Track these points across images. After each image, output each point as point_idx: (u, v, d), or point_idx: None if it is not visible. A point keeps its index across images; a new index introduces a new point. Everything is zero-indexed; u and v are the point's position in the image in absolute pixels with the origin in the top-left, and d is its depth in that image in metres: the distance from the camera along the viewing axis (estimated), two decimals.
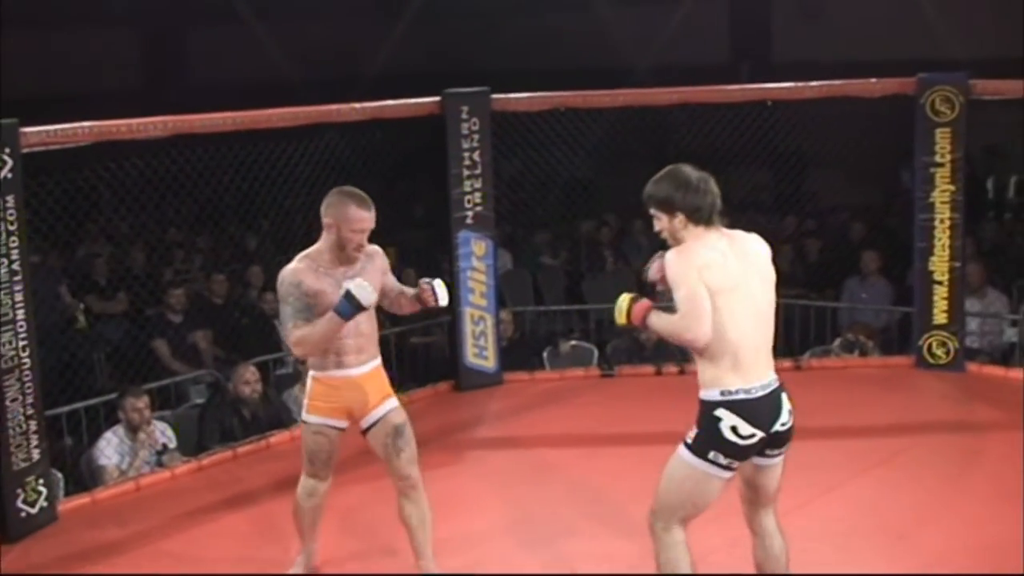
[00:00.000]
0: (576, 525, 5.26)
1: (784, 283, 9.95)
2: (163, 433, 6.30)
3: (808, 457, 6.04)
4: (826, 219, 10.76)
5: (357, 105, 6.87)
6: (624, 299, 3.91)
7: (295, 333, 4.24)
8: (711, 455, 3.71)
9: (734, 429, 3.67)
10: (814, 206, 10.86)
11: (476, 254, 7.29)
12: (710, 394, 3.71)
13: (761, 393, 3.72)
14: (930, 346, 7.39)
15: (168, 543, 5.27)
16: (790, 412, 3.81)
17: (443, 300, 4.42)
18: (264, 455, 6.39)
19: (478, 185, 7.24)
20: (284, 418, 6.77)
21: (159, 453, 6.19)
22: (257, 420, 6.66)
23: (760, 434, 3.71)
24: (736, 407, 3.67)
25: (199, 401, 7.20)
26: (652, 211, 3.83)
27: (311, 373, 4.46)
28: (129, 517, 5.57)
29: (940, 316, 7.33)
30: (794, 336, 8.43)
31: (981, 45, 10.89)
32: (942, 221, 7.27)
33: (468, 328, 7.33)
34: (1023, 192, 11.07)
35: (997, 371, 7.39)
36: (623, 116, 8.23)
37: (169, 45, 14.67)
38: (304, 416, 4.51)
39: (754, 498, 3.97)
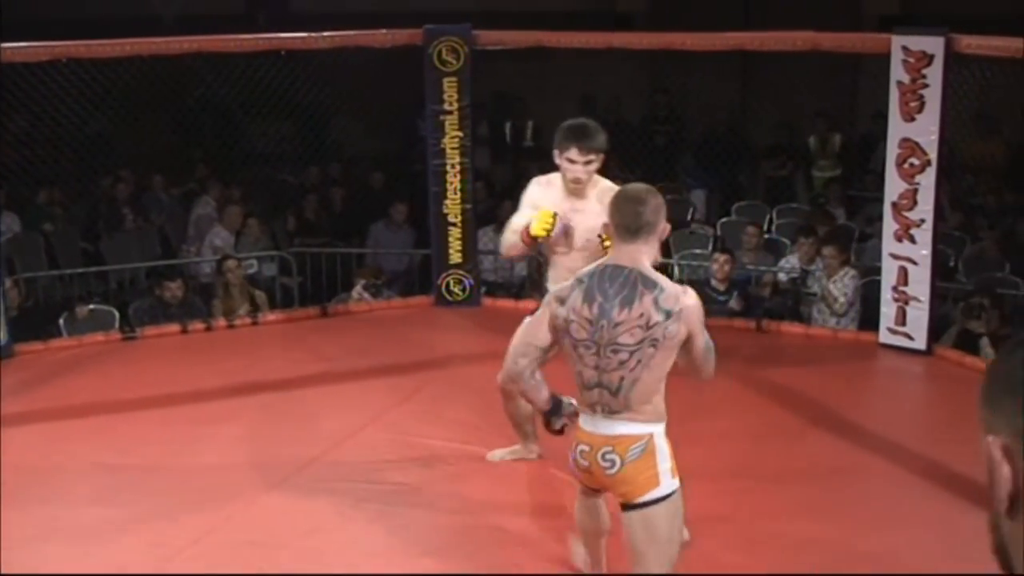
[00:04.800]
0: (104, 496, 5.07)
1: (311, 232, 10.03)
2: None
3: (342, 398, 6.21)
4: (349, 168, 10.96)
5: None
6: None
7: None
8: None
9: None
10: (336, 155, 11.04)
11: None
12: None
13: None
14: (448, 284, 7.77)
15: None
16: None
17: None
18: None
19: None
20: None
21: None
22: None
23: None
24: None
25: None
26: None
27: (659, 428, 3.40)
28: None
29: (456, 256, 7.72)
30: (322, 283, 8.55)
31: None
32: (453, 166, 7.63)
33: None
34: (539, 136, 11.83)
35: (508, 303, 7.93)
36: (142, 68, 7.84)
37: None
38: (674, 484, 3.40)
39: None
